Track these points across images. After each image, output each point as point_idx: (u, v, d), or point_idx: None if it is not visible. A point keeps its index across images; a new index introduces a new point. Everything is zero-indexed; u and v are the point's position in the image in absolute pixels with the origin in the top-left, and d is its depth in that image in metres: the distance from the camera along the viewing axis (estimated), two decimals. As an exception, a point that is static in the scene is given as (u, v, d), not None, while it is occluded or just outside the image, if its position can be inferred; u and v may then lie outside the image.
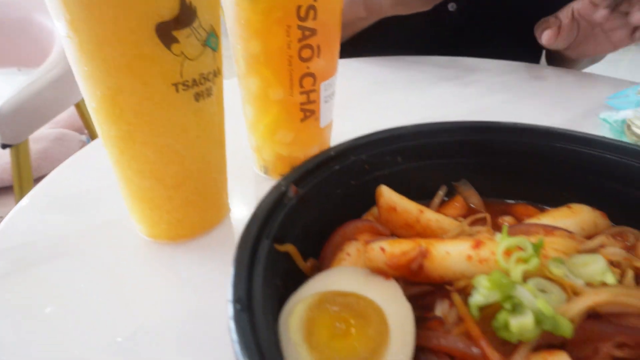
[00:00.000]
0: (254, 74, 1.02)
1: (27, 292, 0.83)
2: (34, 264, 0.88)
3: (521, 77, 1.75)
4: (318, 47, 0.97)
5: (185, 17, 0.72)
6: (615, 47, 1.60)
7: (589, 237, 0.67)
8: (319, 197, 0.69)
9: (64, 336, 0.73)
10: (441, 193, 0.82)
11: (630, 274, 0.55)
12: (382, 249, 0.58)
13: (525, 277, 0.54)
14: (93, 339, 0.72)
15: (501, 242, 0.56)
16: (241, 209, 1.04)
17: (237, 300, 0.45)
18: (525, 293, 0.50)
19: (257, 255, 0.53)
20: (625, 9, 1.47)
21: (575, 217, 0.71)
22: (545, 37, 1.56)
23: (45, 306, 0.79)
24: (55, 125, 2.64)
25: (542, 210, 0.77)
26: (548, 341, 0.51)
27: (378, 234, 0.68)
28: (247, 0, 0.93)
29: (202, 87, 0.81)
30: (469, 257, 0.57)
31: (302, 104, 1.03)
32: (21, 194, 2.09)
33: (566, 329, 0.48)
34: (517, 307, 0.50)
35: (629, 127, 1.32)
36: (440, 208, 0.81)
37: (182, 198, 0.91)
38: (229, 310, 0.44)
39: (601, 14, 1.46)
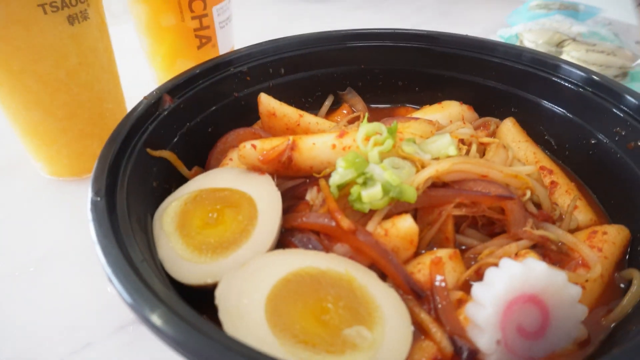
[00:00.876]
0: (143, 0, 0.99)
1: None
2: None
3: (434, 1, 1.79)
4: (203, -33, 0.95)
5: None
6: None
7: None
8: (198, 107, 0.70)
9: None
10: (327, 102, 0.85)
11: (474, 148, 0.62)
12: (254, 146, 0.61)
13: (383, 158, 0.59)
14: (4, 269, 0.73)
15: (360, 129, 0.60)
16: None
17: (96, 192, 0.47)
18: (376, 168, 0.56)
19: (126, 156, 0.55)
20: None
21: (444, 110, 0.78)
22: None
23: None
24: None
25: (419, 110, 0.83)
26: (400, 210, 0.57)
27: (260, 139, 0.71)
28: None
29: (75, 9, 0.77)
30: (333, 146, 0.61)
31: (195, 30, 1.01)
32: None
33: (410, 195, 0.54)
34: (368, 182, 0.55)
35: (520, 41, 1.40)
36: (327, 116, 0.85)
37: (78, 130, 0.89)
38: (88, 200, 0.46)
39: None
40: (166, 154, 0.63)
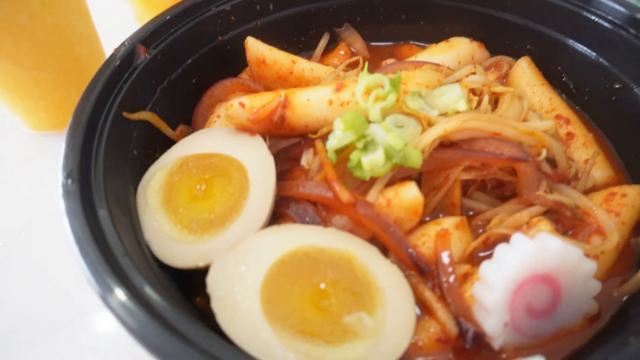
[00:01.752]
0: None
1: None
2: None
3: None
4: None
5: None
6: None
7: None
8: (178, 57, 0.63)
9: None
10: (323, 42, 0.77)
11: (486, 99, 0.56)
12: (242, 104, 0.55)
13: (385, 115, 0.53)
14: None
15: (359, 81, 0.54)
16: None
17: (67, 174, 0.42)
18: (378, 130, 0.50)
19: (99, 126, 0.49)
20: None
21: (452, 50, 0.70)
22: None
23: None
24: None
25: (424, 48, 0.75)
26: (404, 175, 0.52)
27: (250, 91, 0.65)
28: None
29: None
30: (330, 102, 0.55)
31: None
32: None
33: (416, 160, 0.49)
34: (369, 145, 0.50)
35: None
36: (322, 58, 0.78)
37: (51, 80, 0.82)
38: (59, 187, 0.42)
39: None
40: (146, 115, 0.57)
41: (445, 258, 0.46)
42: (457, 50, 0.70)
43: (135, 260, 0.39)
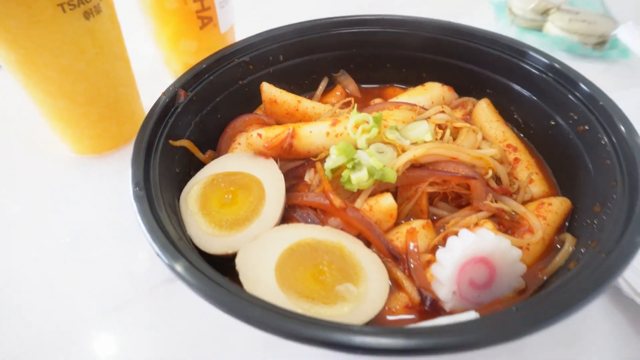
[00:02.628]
0: (147, -15, 1.06)
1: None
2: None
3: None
4: (203, -47, 1.01)
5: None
6: None
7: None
8: (208, 98, 0.80)
9: (19, 243, 0.86)
10: (322, 85, 0.95)
11: (448, 132, 0.73)
12: (259, 135, 0.72)
13: (369, 143, 0.70)
14: (44, 242, 0.85)
15: (350, 118, 0.71)
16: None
17: (135, 184, 0.58)
18: (363, 155, 0.67)
19: (153, 150, 0.66)
20: None
21: (426, 93, 0.87)
22: None
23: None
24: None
25: (405, 90, 0.92)
26: (383, 188, 0.68)
27: (264, 125, 0.82)
28: None
29: (89, 4, 0.85)
30: (327, 133, 0.72)
31: (198, 11, 1.09)
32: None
33: (391, 177, 0.65)
34: (356, 166, 0.66)
35: (509, 8, 1.46)
36: (322, 98, 0.95)
37: (97, 114, 0.99)
38: (130, 193, 0.58)
39: None
40: (185, 142, 0.73)
41: (413, 247, 0.62)
42: (431, 92, 0.88)
43: (186, 245, 0.54)
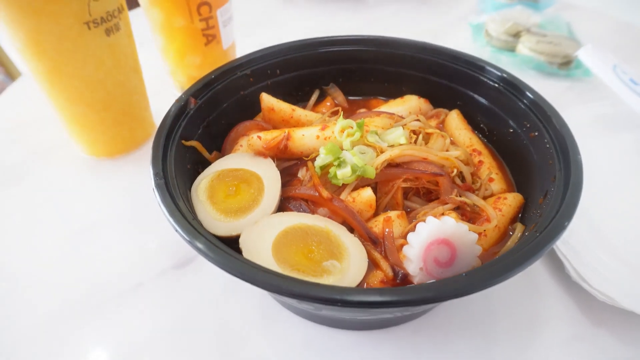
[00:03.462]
0: (156, 5, 1.18)
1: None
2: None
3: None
4: (209, -21, 1.14)
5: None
6: None
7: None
8: (214, 105, 0.92)
9: (35, 235, 0.96)
10: (314, 96, 1.07)
11: (420, 137, 0.85)
12: (259, 137, 0.84)
13: (353, 145, 0.81)
14: (59, 234, 0.96)
15: (337, 124, 0.83)
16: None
17: (156, 174, 0.70)
18: (347, 154, 0.78)
19: (169, 148, 0.77)
20: None
21: (405, 104, 1.00)
22: None
23: (13, 214, 1.01)
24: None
25: (386, 102, 1.04)
26: (365, 184, 0.80)
27: (263, 129, 0.93)
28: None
29: (110, 23, 0.97)
30: (318, 137, 0.83)
31: (203, 29, 1.21)
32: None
33: (371, 173, 0.77)
34: (341, 164, 0.78)
35: (486, 30, 1.60)
36: (314, 107, 1.07)
37: (112, 119, 1.10)
38: (152, 181, 0.69)
39: None
40: (194, 143, 0.85)
41: (388, 233, 0.73)
42: (409, 104, 1.00)
43: (199, 226, 0.66)
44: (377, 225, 0.76)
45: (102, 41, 0.98)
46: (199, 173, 0.85)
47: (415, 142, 0.85)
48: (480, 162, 0.89)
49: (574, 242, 0.85)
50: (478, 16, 1.69)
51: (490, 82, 0.91)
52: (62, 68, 0.97)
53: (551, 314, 0.82)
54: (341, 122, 0.82)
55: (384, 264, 0.70)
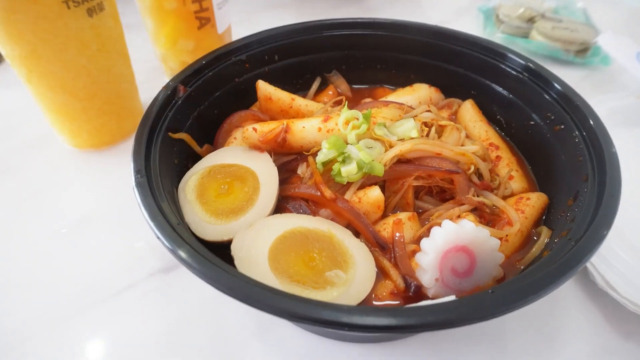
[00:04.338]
0: (146, -15, 1.09)
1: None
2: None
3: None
4: (202, -45, 1.05)
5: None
6: None
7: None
8: (206, 94, 0.84)
9: (17, 232, 0.88)
10: (315, 84, 0.98)
11: (433, 130, 0.77)
12: (255, 129, 0.75)
13: (359, 139, 0.73)
14: (42, 232, 0.88)
15: (341, 115, 0.74)
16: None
17: (137, 171, 0.62)
18: (352, 149, 0.70)
19: (153, 141, 0.69)
20: None
21: (414, 93, 0.91)
22: None
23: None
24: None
25: (394, 91, 0.96)
26: (372, 181, 0.72)
27: (259, 120, 0.85)
28: None
29: (93, 2, 0.88)
30: (319, 129, 0.75)
31: (196, 12, 1.12)
32: None
33: (379, 170, 0.69)
34: (346, 160, 0.70)
35: (496, 15, 1.51)
36: (315, 97, 0.99)
37: (97, 108, 1.02)
38: (132, 179, 0.61)
39: None
40: (183, 135, 0.77)
41: (398, 237, 0.65)
42: (418, 93, 0.92)
43: (185, 230, 0.58)
44: (385, 229, 0.68)
45: (84, 22, 0.89)
46: (188, 168, 0.77)
47: (428, 135, 0.77)
48: (498, 157, 0.81)
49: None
50: (488, 1, 1.60)
51: (510, 71, 0.83)
52: (39, 51, 0.88)
53: (574, 325, 0.74)
54: (346, 112, 0.74)
55: (394, 273, 0.63)
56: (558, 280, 0.48)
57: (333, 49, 0.97)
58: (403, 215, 0.69)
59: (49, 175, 1.03)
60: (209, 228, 0.65)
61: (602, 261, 0.76)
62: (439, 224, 0.65)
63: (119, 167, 1.04)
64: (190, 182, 0.71)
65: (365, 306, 0.51)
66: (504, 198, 0.74)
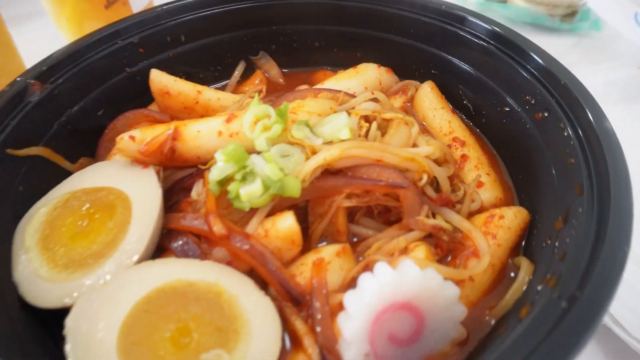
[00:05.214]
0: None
1: None
2: None
3: None
4: None
5: None
6: None
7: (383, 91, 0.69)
8: (80, 91, 0.63)
9: None
10: (238, 71, 0.78)
11: (374, 126, 0.57)
12: (132, 137, 0.55)
13: (273, 144, 0.54)
14: None
15: (248, 112, 0.55)
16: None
17: None
18: (257, 160, 0.51)
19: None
20: None
21: (358, 76, 0.71)
22: None
23: None
24: None
25: (335, 73, 0.76)
26: (287, 205, 0.53)
27: (155, 122, 0.65)
28: None
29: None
30: (220, 133, 0.55)
31: (96, -13, 0.91)
32: None
33: (294, 189, 0.49)
34: (248, 176, 0.50)
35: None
36: (239, 86, 0.78)
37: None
38: None
39: None
40: (37, 150, 0.57)
41: (318, 287, 0.46)
42: (364, 76, 0.72)
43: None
44: (302, 273, 0.49)
45: None
46: (45, 194, 0.56)
47: (367, 134, 0.57)
48: (464, 156, 0.62)
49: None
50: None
51: (475, 40, 0.63)
52: None
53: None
54: (254, 108, 0.54)
55: (308, 344, 0.44)
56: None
57: (257, 24, 0.77)
58: (328, 252, 0.50)
59: None
60: (50, 289, 0.46)
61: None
62: (379, 261, 0.46)
63: None
64: (36, 219, 0.52)
65: None
66: (470, 215, 0.55)
